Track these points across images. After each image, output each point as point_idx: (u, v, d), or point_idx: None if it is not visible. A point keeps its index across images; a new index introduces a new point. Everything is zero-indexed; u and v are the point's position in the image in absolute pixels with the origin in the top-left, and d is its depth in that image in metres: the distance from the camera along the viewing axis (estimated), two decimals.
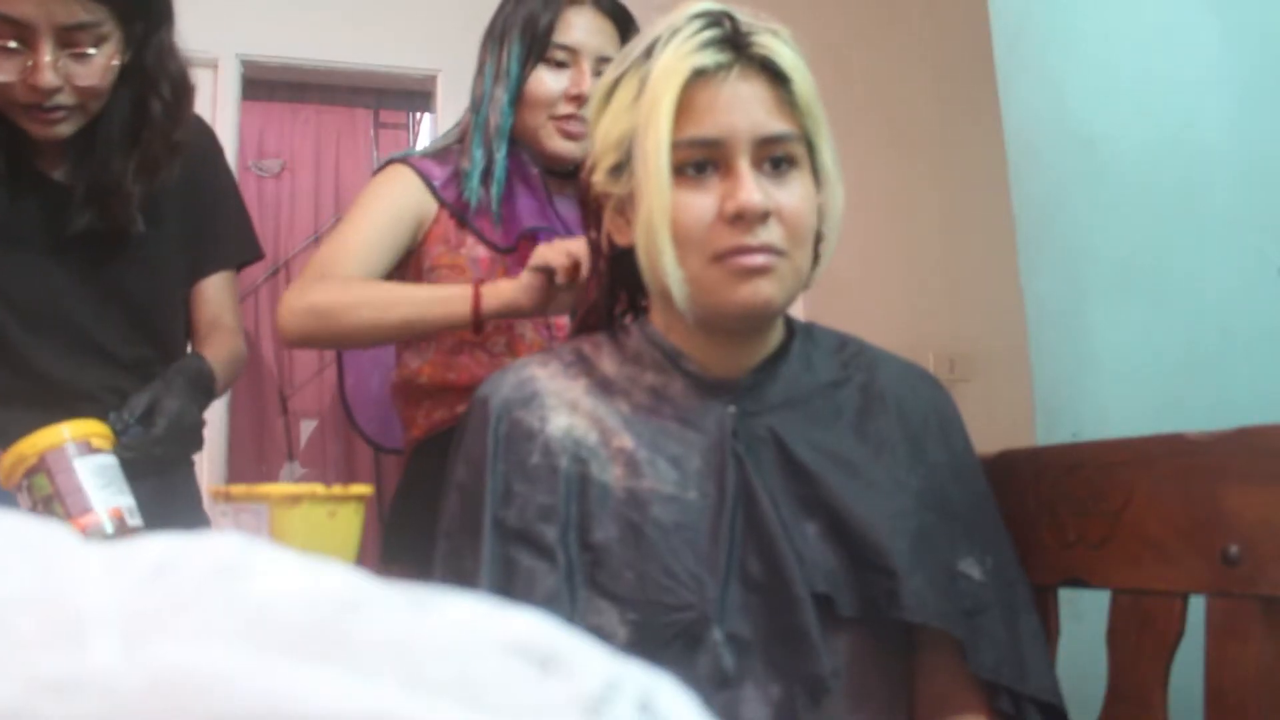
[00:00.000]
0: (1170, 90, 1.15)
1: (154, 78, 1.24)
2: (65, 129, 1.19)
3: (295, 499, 0.82)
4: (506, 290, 1.15)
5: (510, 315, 1.18)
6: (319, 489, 0.83)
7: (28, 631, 0.24)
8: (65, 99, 1.16)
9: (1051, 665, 0.86)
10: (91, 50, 1.14)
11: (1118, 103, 1.18)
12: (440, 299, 1.19)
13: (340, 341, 1.28)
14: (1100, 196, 1.19)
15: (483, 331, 1.20)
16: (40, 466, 0.86)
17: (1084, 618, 0.97)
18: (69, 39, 1.12)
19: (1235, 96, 1.11)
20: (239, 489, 0.84)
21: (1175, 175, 1.13)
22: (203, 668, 0.24)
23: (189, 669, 0.24)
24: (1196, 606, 0.79)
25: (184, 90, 1.29)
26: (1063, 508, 0.91)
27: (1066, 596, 0.94)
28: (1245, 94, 1.10)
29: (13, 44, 1.10)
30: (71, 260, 1.26)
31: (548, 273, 1.11)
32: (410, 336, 1.27)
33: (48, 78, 1.12)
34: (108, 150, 1.23)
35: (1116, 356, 1.18)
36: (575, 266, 1.10)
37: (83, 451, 0.88)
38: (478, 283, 1.17)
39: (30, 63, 1.11)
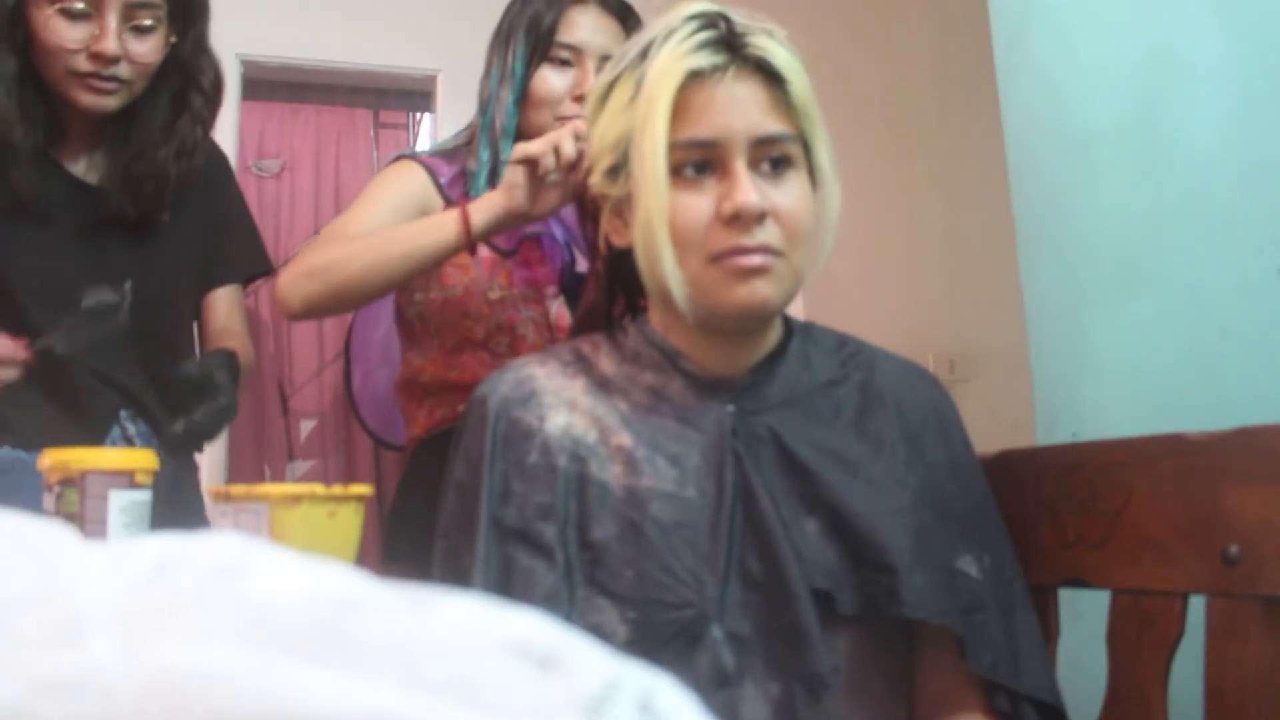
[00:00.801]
0: (1170, 90, 1.15)
1: (193, 70, 1.30)
2: (113, 102, 1.24)
3: (295, 499, 0.82)
4: (492, 197, 1.12)
5: (502, 223, 1.14)
6: (319, 489, 0.83)
7: (28, 631, 0.24)
8: (121, 71, 1.22)
9: (1049, 664, 0.86)
10: (149, 23, 1.23)
11: (1118, 103, 1.18)
12: (429, 226, 1.16)
13: (343, 298, 1.21)
14: (1100, 196, 1.19)
15: (475, 252, 1.18)
16: (78, 483, 0.86)
17: (1084, 617, 0.97)
18: (132, 14, 1.21)
19: (1235, 96, 1.11)
20: (239, 489, 0.84)
21: (1175, 175, 1.13)
22: (202, 668, 0.24)
23: (188, 669, 0.24)
24: (1196, 606, 0.79)
25: (219, 84, 1.36)
26: (1063, 508, 0.91)
27: (1066, 596, 0.94)
28: (1245, 94, 1.10)
29: (80, 6, 1.18)
30: (90, 253, 1.29)
31: (530, 165, 1.08)
32: (411, 273, 1.20)
33: (112, 45, 1.19)
34: (145, 138, 1.29)
35: (1116, 356, 1.18)
36: (557, 154, 1.07)
37: (123, 485, 0.88)
38: (463, 200, 1.16)
39: (96, 30, 1.19)
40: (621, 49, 0.90)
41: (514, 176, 1.10)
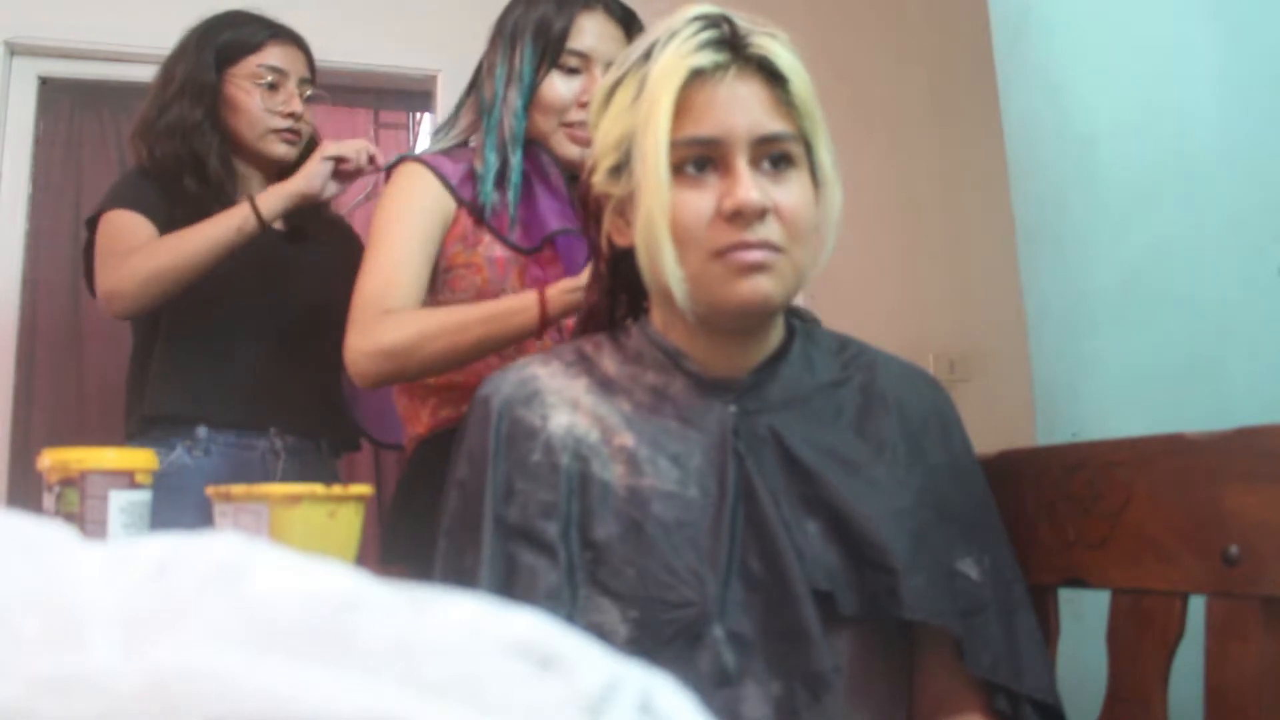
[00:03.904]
0: (1170, 90, 1.15)
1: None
2: (294, 153, 1.65)
3: (295, 499, 0.82)
4: (571, 296, 1.17)
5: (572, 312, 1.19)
6: (319, 489, 0.83)
7: (28, 631, 0.24)
8: (302, 125, 1.66)
9: (1049, 665, 0.86)
10: (310, 93, 1.70)
11: (1118, 103, 1.18)
12: (507, 312, 1.19)
13: (417, 376, 1.26)
14: (1100, 197, 1.19)
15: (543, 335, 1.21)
16: (77, 483, 0.86)
17: (1084, 617, 0.97)
18: (304, 87, 1.68)
19: (1235, 96, 1.11)
20: (239, 489, 0.84)
21: (1175, 175, 1.13)
22: (202, 668, 0.24)
23: (188, 669, 0.24)
24: (1196, 606, 0.79)
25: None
26: (1063, 508, 0.91)
27: (1066, 596, 0.94)
28: (1245, 94, 1.10)
29: (271, 78, 1.64)
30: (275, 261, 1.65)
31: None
32: (483, 355, 1.25)
33: (297, 103, 1.65)
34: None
35: (1116, 356, 1.18)
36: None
37: (123, 485, 0.88)
38: (542, 287, 1.18)
39: (285, 96, 1.64)
40: (625, 51, 0.91)
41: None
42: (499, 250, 1.29)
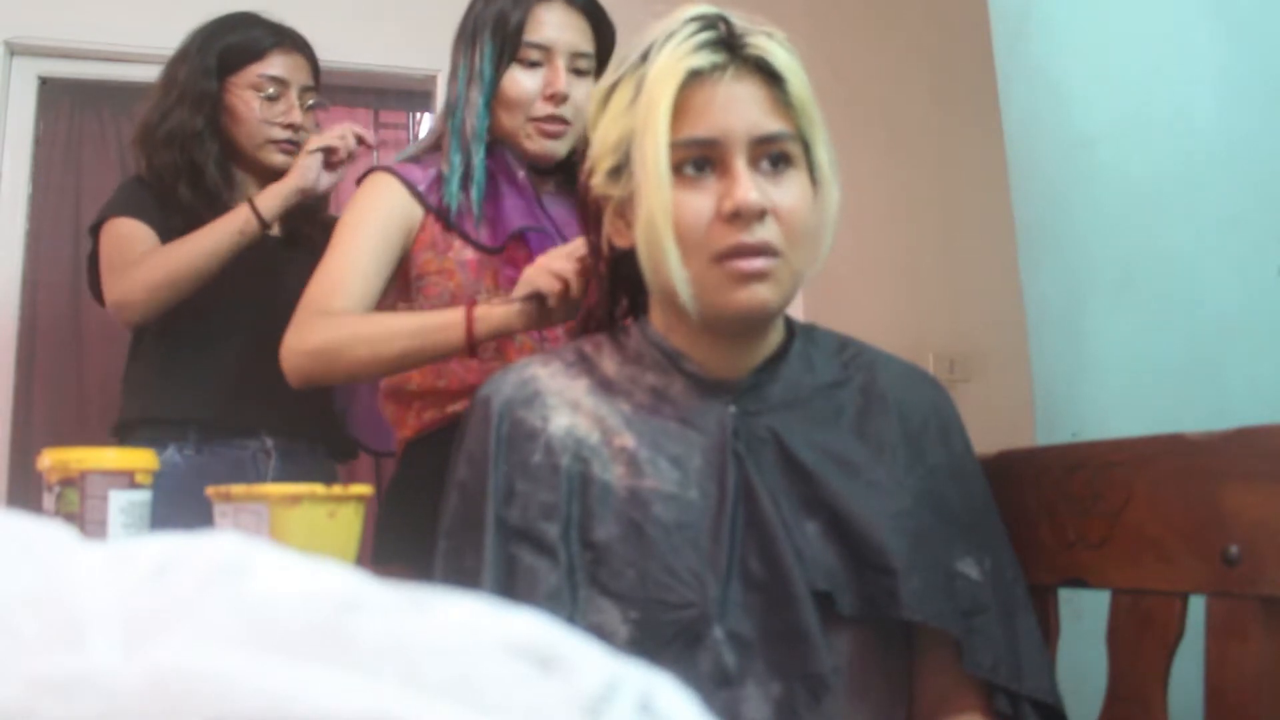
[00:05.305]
0: (1170, 90, 1.15)
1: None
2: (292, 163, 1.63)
3: (295, 499, 0.82)
4: (499, 315, 1.12)
5: (504, 335, 1.16)
6: (319, 489, 0.83)
7: (28, 631, 0.24)
8: (302, 136, 1.66)
9: (1049, 665, 0.86)
10: (312, 101, 1.72)
11: (1118, 103, 1.18)
12: (434, 328, 1.16)
13: (343, 379, 1.25)
14: (1100, 197, 1.19)
15: (477, 354, 1.18)
16: (77, 483, 0.86)
17: (1084, 617, 0.97)
18: (305, 96, 1.69)
19: (1235, 97, 1.11)
20: (239, 489, 0.84)
21: (1175, 175, 1.13)
22: (202, 668, 0.24)
23: (189, 669, 0.24)
24: (1196, 606, 0.79)
25: None
26: (1063, 508, 0.91)
27: (1066, 596, 0.94)
28: (1245, 94, 1.10)
29: (273, 89, 1.65)
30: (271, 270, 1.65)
31: (538, 298, 1.09)
32: (409, 367, 1.23)
33: (297, 114, 1.67)
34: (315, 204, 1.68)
35: (1116, 356, 1.18)
36: (566, 287, 1.07)
37: (123, 484, 0.88)
38: (470, 305, 1.15)
39: (285, 106, 1.66)
40: (622, 52, 0.91)
41: (523, 307, 1.10)
42: (470, 253, 1.28)
